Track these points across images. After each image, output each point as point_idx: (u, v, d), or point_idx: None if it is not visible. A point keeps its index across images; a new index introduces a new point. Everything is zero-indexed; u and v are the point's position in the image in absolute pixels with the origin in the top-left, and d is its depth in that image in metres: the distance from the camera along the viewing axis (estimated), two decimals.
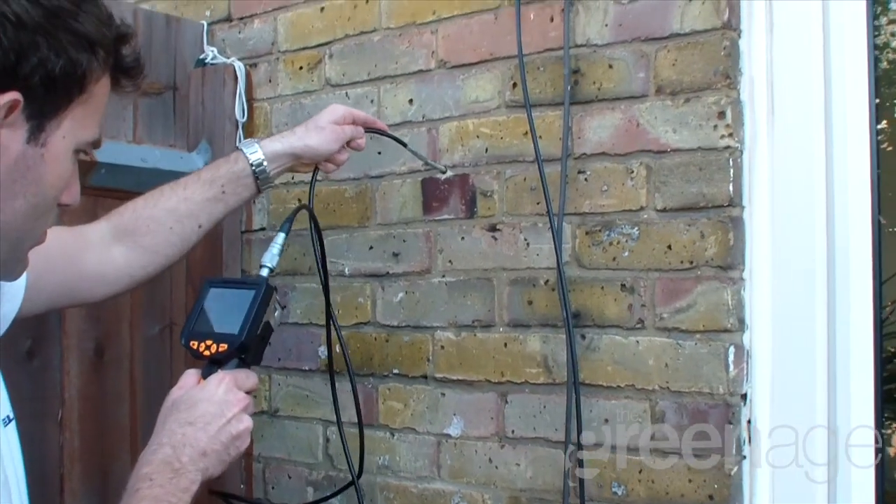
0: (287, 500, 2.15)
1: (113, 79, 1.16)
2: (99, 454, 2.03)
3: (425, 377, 1.94)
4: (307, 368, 2.13)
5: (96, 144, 1.18)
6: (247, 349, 1.43)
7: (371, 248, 2.03)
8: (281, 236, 1.57)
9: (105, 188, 2.00)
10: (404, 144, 1.89)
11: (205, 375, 1.39)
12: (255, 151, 1.65)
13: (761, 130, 1.65)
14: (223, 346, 1.40)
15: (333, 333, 1.78)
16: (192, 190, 1.63)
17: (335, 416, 1.82)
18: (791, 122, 1.64)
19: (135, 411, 2.11)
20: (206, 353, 1.41)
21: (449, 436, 1.90)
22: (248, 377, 1.42)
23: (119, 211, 1.62)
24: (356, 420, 1.84)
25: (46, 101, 1.06)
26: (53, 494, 1.94)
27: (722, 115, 1.62)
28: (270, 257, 1.55)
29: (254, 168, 1.64)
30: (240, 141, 2.20)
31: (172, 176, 2.13)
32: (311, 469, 2.12)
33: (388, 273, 2.00)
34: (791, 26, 1.65)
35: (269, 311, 1.47)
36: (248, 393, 1.40)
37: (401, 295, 1.98)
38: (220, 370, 1.40)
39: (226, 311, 1.45)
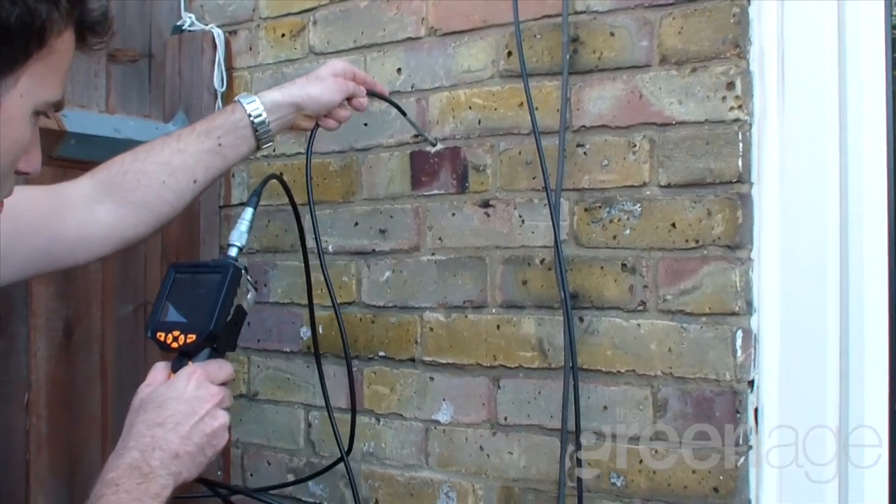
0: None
1: (78, 34, 1.06)
2: (67, 440, 1.93)
3: (413, 360, 1.85)
4: (288, 350, 2.04)
5: (58, 106, 1.08)
6: (217, 338, 1.32)
7: (356, 224, 1.93)
8: (249, 211, 1.47)
9: (75, 160, 1.90)
10: (403, 113, 1.79)
11: (174, 369, 1.29)
12: (253, 101, 1.54)
13: (771, 103, 1.56)
14: (192, 337, 1.30)
15: (322, 312, 1.68)
16: (187, 142, 1.52)
17: (319, 399, 1.72)
18: (803, 94, 1.56)
19: (106, 395, 2.01)
20: (175, 344, 1.31)
21: (438, 422, 1.82)
22: (222, 368, 1.32)
23: (105, 166, 1.50)
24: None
25: (1, 55, 0.96)
26: (19, 482, 1.84)
27: (731, 86, 1.53)
28: (238, 235, 1.44)
29: (252, 119, 1.53)
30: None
31: None
32: (292, 455, 2.03)
33: (374, 251, 1.91)
34: None
35: (241, 293, 1.37)
36: (222, 385, 1.30)
37: (388, 274, 1.89)
38: (190, 362, 1.30)
39: (193, 298, 1.34)
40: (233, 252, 1.42)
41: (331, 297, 1.64)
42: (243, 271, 1.38)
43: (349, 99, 1.64)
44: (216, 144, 1.52)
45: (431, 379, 1.83)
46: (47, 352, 1.91)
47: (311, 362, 1.98)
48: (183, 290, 1.37)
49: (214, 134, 1.53)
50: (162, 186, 1.49)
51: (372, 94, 1.70)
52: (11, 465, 1.84)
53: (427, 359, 1.83)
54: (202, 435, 1.23)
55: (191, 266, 1.51)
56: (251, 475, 2.09)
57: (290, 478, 2.02)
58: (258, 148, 1.57)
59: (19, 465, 1.85)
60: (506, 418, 1.74)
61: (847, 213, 1.53)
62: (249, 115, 1.53)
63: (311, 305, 1.70)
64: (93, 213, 1.46)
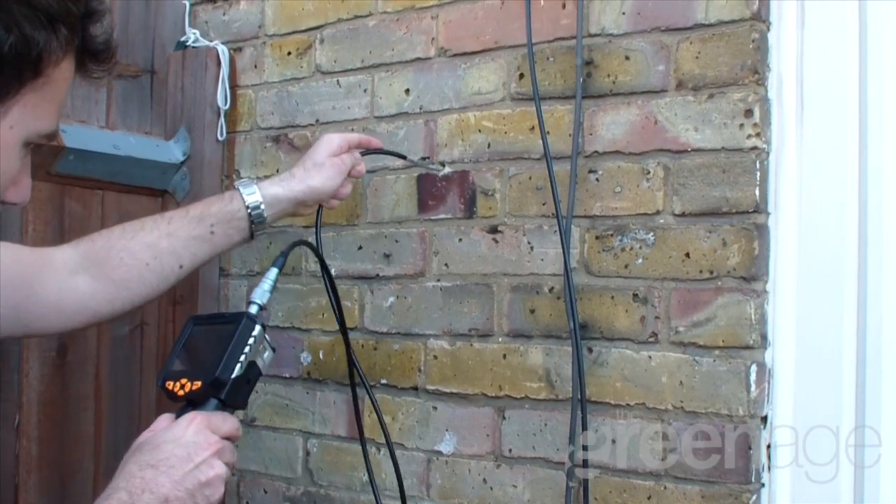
0: None
1: (78, 62, 1.02)
2: (59, 464, 1.88)
3: (416, 389, 1.80)
4: (288, 376, 1.99)
5: (51, 137, 1.04)
6: (223, 387, 1.27)
7: (360, 248, 1.89)
8: (274, 272, 1.42)
9: (73, 176, 1.88)
10: (403, 157, 1.77)
11: (177, 417, 1.25)
12: (253, 193, 1.52)
13: (789, 131, 1.52)
14: (197, 384, 1.26)
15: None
16: (178, 225, 1.49)
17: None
18: (822, 122, 1.52)
19: (99, 418, 1.96)
20: (181, 392, 1.27)
21: (440, 453, 1.77)
22: (226, 420, 1.26)
23: (91, 237, 1.48)
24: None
25: None
26: None
27: (749, 113, 1.49)
28: (261, 293, 1.39)
29: (250, 211, 1.51)
30: (221, 131, 2.07)
31: (147, 164, 2.01)
32: (290, 484, 1.98)
33: (377, 275, 1.86)
34: (824, 20, 1.53)
35: (257, 349, 1.32)
36: (226, 438, 1.25)
37: (391, 299, 1.84)
38: (193, 411, 1.25)
39: (205, 348, 1.31)
40: (252, 309, 1.37)
41: (339, 322, 1.60)
42: (260, 327, 1.33)
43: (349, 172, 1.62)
44: (208, 232, 1.50)
45: (434, 408, 1.78)
46: (40, 372, 1.86)
47: (311, 388, 1.94)
48: (198, 341, 1.35)
49: (208, 221, 1.50)
50: (145, 268, 1.47)
51: (370, 152, 1.68)
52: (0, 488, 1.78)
53: (430, 387, 1.78)
54: (196, 482, 1.17)
55: (209, 318, 1.51)
56: (247, 503, 2.04)
57: None
58: (251, 237, 1.55)
59: (8, 489, 1.80)
60: (510, 450, 1.69)
61: (866, 246, 1.49)
62: (247, 207, 1.52)
63: (344, 334, 1.67)
64: (72, 282, 1.44)
